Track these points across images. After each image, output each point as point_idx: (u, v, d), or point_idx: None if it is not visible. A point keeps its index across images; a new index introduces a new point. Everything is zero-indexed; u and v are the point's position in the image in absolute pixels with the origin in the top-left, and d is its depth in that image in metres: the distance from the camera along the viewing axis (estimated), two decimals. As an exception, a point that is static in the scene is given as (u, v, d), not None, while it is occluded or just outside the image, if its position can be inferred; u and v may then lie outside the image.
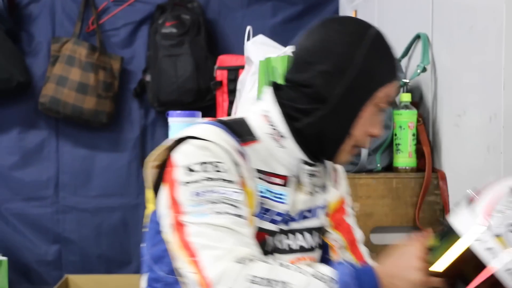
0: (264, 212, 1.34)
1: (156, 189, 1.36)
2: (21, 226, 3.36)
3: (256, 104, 1.42)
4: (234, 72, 2.67)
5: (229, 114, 2.72)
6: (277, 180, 1.35)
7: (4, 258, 3.19)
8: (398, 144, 2.13)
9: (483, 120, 1.84)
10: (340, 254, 1.55)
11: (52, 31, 3.41)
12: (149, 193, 1.39)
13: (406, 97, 2.15)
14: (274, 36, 3.49)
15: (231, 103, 2.73)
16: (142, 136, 3.43)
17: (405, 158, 2.13)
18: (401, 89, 2.22)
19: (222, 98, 2.76)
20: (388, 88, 1.35)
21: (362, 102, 1.33)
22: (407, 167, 2.13)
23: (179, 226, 1.24)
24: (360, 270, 1.21)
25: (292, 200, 1.37)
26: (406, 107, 2.15)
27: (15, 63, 3.23)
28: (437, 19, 2.18)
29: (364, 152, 2.11)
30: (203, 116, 3.01)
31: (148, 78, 3.33)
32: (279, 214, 1.36)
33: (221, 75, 2.77)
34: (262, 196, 1.33)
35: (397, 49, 2.36)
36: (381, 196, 2.09)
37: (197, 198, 1.23)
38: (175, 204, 1.27)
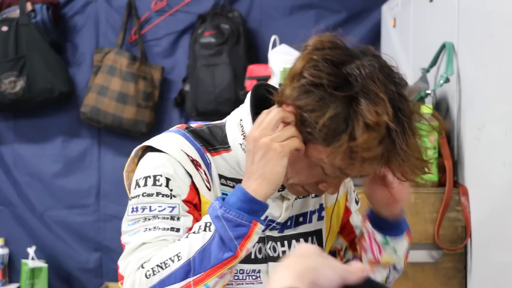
0: None
1: None
2: (64, 234, 3.42)
3: (239, 108, 1.35)
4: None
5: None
6: None
7: (45, 265, 3.26)
8: (418, 158, 2.05)
9: (499, 134, 1.74)
10: (344, 257, 1.48)
11: (96, 41, 3.47)
12: None
13: (426, 109, 2.06)
14: (317, 45, 3.45)
15: (261, 113, 2.70)
16: (183, 145, 3.42)
17: (425, 172, 2.04)
18: (423, 100, 2.13)
19: (252, 108, 2.72)
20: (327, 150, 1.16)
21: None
22: (427, 182, 2.05)
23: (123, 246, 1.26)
24: (227, 197, 1.18)
25: (274, 206, 1.31)
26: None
27: (58, 74, 3.29)
28: (462, 28, 2.09)
29: (381, 165, 2.04)
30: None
31: (187, 87, 3.34)
32: None
33: (250, 85, 2.74)
34: None
35: (428, 59, 2.29)
36: (398, 211, 2.01)
37: (132, 216, 1.23)
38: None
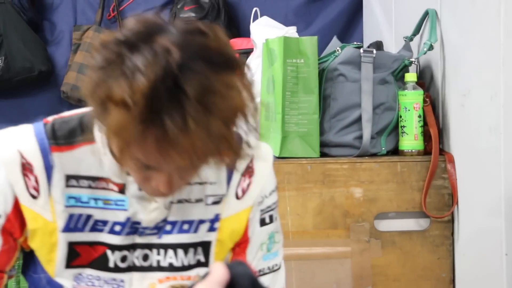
0: (97, 224, 1.15)
1: None
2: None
3: None
4: (245, 56, 2.61)
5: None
6: (112, 186, 1.14)
7: None
8: (403, 127, 2.04)
9: (484, 100, 1.74)
10: None
11: (74, 19, 3.41)
12: None
13: (410, 77, 2.06)
14: (298, 17, 3.42)
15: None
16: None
17: (410, 140, 2.04)
18: (407, 69, 2.12)
19: (234, 82, 2.69)
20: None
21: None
22: (413, 150, 2.04)
23: None
24: None
25: (137, 208, 1.15)
26: (411, 87, 2.05)
27: (37, 52, 3.24)
28: (444, -6, 2.07)
29: (366, 135, 2.03)
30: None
31: (168, 63, 3.30)
32: (119, 223, 1.15)
33: (233, 59, 2.70)
34: (85, 206, 1.14)
35: (411, 27, 2.27)
36: (385, 180, 2.01)
37: None
38: None
